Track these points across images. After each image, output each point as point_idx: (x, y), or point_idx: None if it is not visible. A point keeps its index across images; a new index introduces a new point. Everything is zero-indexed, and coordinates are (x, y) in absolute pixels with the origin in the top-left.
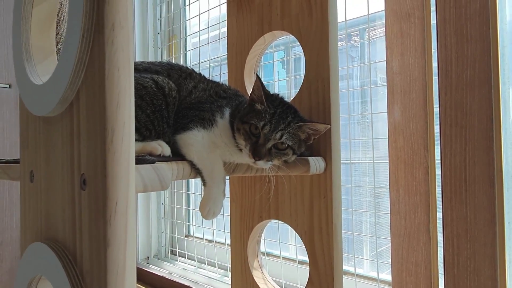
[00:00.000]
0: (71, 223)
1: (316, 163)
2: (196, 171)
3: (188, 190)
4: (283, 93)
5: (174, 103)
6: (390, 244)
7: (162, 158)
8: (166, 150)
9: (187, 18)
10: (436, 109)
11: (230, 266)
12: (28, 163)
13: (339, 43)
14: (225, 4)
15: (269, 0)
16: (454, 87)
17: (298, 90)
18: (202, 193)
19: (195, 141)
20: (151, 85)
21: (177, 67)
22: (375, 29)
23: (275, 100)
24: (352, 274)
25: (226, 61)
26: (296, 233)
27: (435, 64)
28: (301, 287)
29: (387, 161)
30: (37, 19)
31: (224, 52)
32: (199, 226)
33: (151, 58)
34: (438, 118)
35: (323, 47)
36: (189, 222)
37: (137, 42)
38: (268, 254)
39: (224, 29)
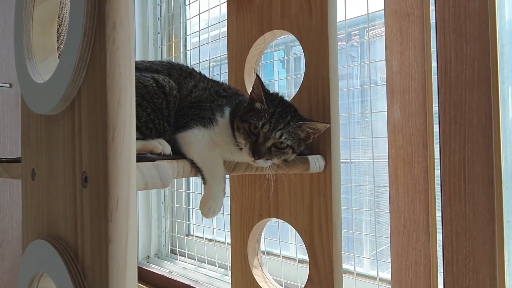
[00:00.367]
0: (73, 221)
1: (315, 162)
2: (197, 170)
3: (189, 189)
4: (283, 92)
5: (174, 102)
6: (390, 243)
7: (163, 157)
8: (167, 149)
9: (187, 17)
10: (435, 108)
11: (230, 265)
12: (30, 161)
13: (339, 43)
14: (225, 3)
15: None
16: (453, 86)
17: (297, 90)
18: (202, 192)
19: (195, 139)
20: (151, 84)
21: (178, 66)
22: (375, 29)
23: (275, 99)
24: (352, 273)
25: (226, 61)
26: (296, 232)
27: (434, 63)
28: (301, 286)
29: (387, 160)
30: (39, 18)
31: (224, 51)
32: (199, 225)
33: (151, 58)
34: (438, 117)
35: (322, 46)
36: (189, 221)
37: (137, 41)
38: (268, 253)
39: (224, 29)
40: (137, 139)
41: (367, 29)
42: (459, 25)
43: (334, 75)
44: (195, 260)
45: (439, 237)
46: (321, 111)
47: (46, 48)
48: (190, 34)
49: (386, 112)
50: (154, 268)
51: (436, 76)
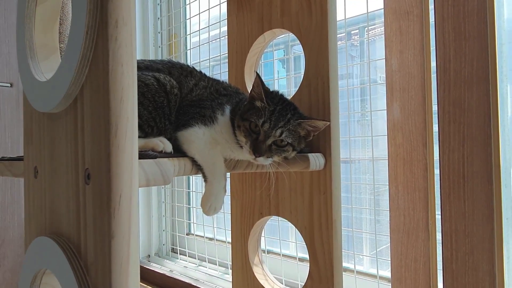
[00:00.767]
0: (76, 217)
1: (315, 160)
2: (197, 168)
3: (189, 188)
4: (283, 91)
5: (175, 100)
6: (389, 241)
7: (164, 155)
8: (168, 147)
9: (188, 17)
10: (434, 106)
11: (230, 263)
12: (32, 159)
13: (339, 42)
14: (225, 3)
15: None
16: (453, 84)
17: (297, 89)
18: (203, 191)
19: (196, 137)
20: (152, 83)
21: (178, 65)
22: (374, 28)
23: (275, 97)
24: (352, 271)
25: (226, 60)
26: (296, 230)
27: (433, 62)
28: (301, 284)
29: (387, 159)
30: (41, 17)
31: (224, 50)
32: (199, 224)
33: (151, 57)
34: (437, 115)
35: (322, 45)
36: (189, 220)
37: (137, 41)
38: (269, 252)
39: (224, 28)
40: (138, 137)
41: (366, 28)
42: (458, 23)
43: (334, 73)
44: (195, 258)
45: (439, 235)
46: (321, 110)
47: (48, 47)
48: (190, 34)
49: (385, 111)
50: (154, 267)
51: (436, 75)
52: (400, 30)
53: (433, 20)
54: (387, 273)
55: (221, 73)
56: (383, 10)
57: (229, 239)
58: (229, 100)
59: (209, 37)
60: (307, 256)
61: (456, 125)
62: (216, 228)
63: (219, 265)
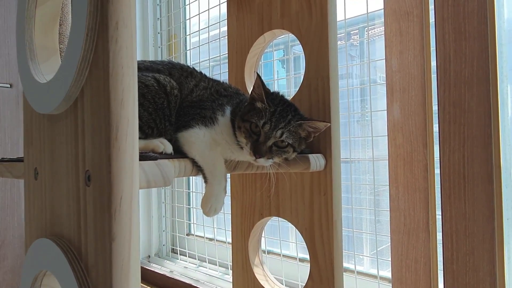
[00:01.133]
0: (76, 219)
1: (316, 160)
2: (198, 169)
3: (189, 189)
4: (283, 92)
5: (175, 101)
6: (390, 242)
7: (164, 156)
8: (168, 148)
9: (187, 17)
10: (435, 106)
11: (231, 264)
12: (32, 161)
13: (338, 42)
14: (225, 3)
15: None
16: (453, 84)
17: (297, 89)
18: (203, 191)
19: (196, 139)
20: (153, 84)
21: (178, 66)
22: (374, 28)
23: (276, 98)
24: (352, 272)
25: (226, 60)
26: (297, 231)
27: (433, 63)
28: (302, 285)
29: (387, 159)
30: (41, 18)
31: (224, 51)
32: (199, 224)
33: (151, 58)
34: (437, 116)
35: (322, 46)
36: (189, 220)
37: (137, 41)
38: (269, 252)
39: (224, 29)
40: (138, 138)
41: (366, 28)
42: (458, 24)
43: (334, 74)
44: (195, 259)
45: (439, 235)
46: (321, 110)
47: (48, 48)
48: (190, 34)
49: (385, 111)
50: (155, 268)
51: (436, 75)
52: (400, 31)
53: (433, 20)
54: (387, 273)
55: (221, 74)
56: (383, 10)
57: (229, 240)
58: (230, 101)
59: (209, 38)
60: (307, 256)
61: (457, 126)
62: (216, 229)
63: (219, 266)
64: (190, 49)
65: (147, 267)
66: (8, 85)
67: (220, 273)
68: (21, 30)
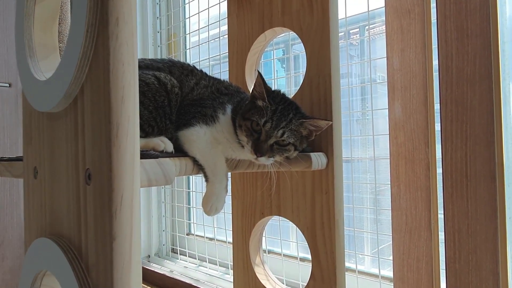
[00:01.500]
0: (76, 218)
1: (318, 159)
2: (199, 167)
3: (189, 188)
4: (283, 91)
5: (176, 100)
6: (391, 241)
7: (165, 155)
8: (169, 147)
9: (187, 16)
10: (436, 105)
11: (231, 263)
12: (32, 159)
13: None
14: (224, 2)
15: None
16: (455, 82)
17: (297, 88)
18: (203, 191)
19: (197, 137)
20: (153, 82)
21: (179, 64)
22: (374, 27)
23: (277, 97)
24: (353, 271)
25: (226, 60)
26: (298, 230)
27: (435, 61)
28: (303, 284)
29: (387, 158)
30: (40, 16)
31: (224, 50)
32: (199, 224)
33: (151, 57)
34: (439, 114)
35: (324, 44)
36: (189, 220)
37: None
38: (269, 252)
39: (224, 27)
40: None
41: (367, 27)
42: (461, 21)
43: (335, 72)
44: (196, 259)
45: (441, 234)
46: (323, 109)
47: (47, 46)
48: (189, 33)
49: (385, 110)
50: (155, 267)
51: (438, 73)
52: (401, 29)
53: (435, 18)
54: (388, 272)
55: (221, 73)
56: (383, 8)
57: (230, 239)
58: (230, 99)
59: (209, 37)
60: (308, 255)
61: (459, 124)
62: (216, 228)
63: (219, 265)
64: (190, 48)
65: (147, 267)
66: (7, 85)
67: (220, 272)
68: (20, 28)
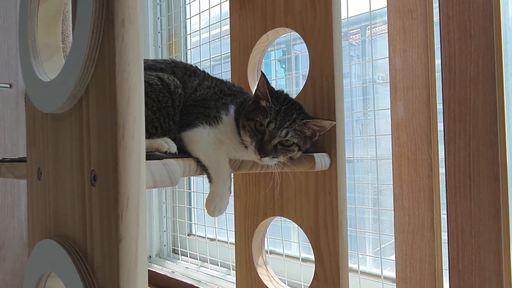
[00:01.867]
0: (81, 219)
1: (321, 160)
2: (202, 168)
3: (190, 189)
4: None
5: (179, 100)
6: (392, 241)
7: (169, 155)
8: (172, 147)
9: (188, 16)
10: (439, 105)
11: (232, 264)
12: (36, 161)
13: None
14: (225, 2)
15: None
16: (458, 82)
17: (297, 88)
18: (204, 191)
19: (200, 138)
20: (156, 82)
21: (182, 65)
22: (375, 27)
23: (280, 97)
24: (355, 271)
25: (227, 60)
26: (299, 231)
27: (438, 61)
28: (305, 284)
29: (388, 159)
30: (44, 16)
31: (225, 50)
32: (201, 224)
33: (151, 57)
34: (442, 114)
35: (327, 44)
36: (191, 220)
37: None
38: (271, 252)
39: (225, 28)
40: None
41: (368, 27)
42: (463, 21)
43: (338, 72)
44: (197, 259)
45: (444, 234)
46: (326, 109)
47: (51, 46)
48: (190, 33)
49: (386, 111)
50: (156, 268)
51: (440, 73)
52: (403, 29)
53: (437, 18)
54: (388, 273)
55: (222, 73)
56: (386, 8)
57: (231, 240)
58: (233, 100)
59: (210, 37)
60: (309, 256)
61: (462, 124)
62: (218, 229)
63: (221, 266)
64: (190, 49)
65: (148, 268)
66: (8, 85)
67: (221, 273)
68: (24, 28)
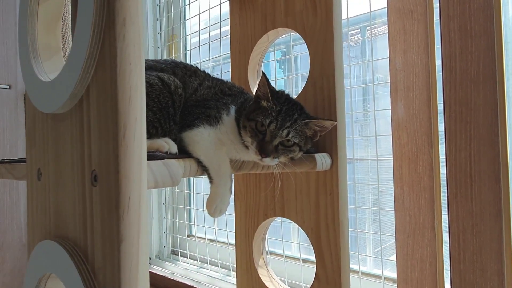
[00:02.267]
0: (82, 220)
1: (322, 160)
2: (203, 169)
3: (190, 190)
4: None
5: (180, 101)
6: (392, 241)
7: (169, 156)
8: (173, 148)
9: (187, 17)
10: (440, 105)
11: (232, 265)
12: (36, 161)
13: None
14: (225, 3)
15: None
16: (459, 83)
17: (296, 89)
18: (204, 192)
19: (201, 138)
20: (157, 83)
21: (182, 65)
22: (375, 27)
23: (281, 97)
24: (356, 272)
25: (227, 60)
26: (299, 232)
27: (438, 61)
28: (305, 286)
29: (388, 159)
30: (43, 16)
31: (224, 51)
32: (200, 225)
33: (151, 58)
34: (443, 114)
35: (328, 44)
36: (190, 221)
37: None
38: (271, 253)
39: (224, 28)
40: None
41: (368, 27)
42: (464, 21)
43: (339, 72)
44: (197, 261)
45: (445, 235)
46: (327, 109)
47: (51, 47)
48: (190, 34)
49: (387, 111)
50: (155, 270)
51: (441, 73)
52: (404, 29)
53: (438, 18)
54: (389, 273)
55: (222, 74)
56: (386, 9)
57: (231, 241)
58: (234, 100)
59: (209, 38)
60: (310, 257)
61: (463, 124)
62: (218, 230)
63: (221, 267)
64: (190, 49)
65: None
66: (7, 86)
67: (222, 274)
68: (23, 28)
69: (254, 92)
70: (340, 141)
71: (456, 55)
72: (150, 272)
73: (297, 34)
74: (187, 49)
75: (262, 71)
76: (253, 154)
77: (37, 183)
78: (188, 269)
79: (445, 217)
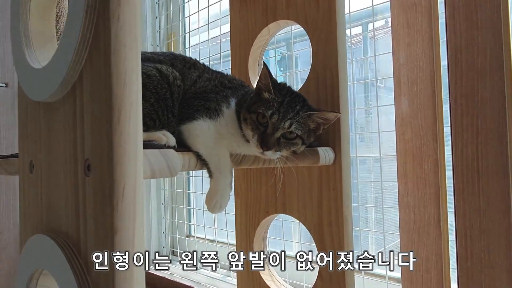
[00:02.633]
0: (75, 212)
1: (325, 154)
2: (202, 163)
3: (189, 190)
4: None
5: (178, 92)
6: (396, 241)
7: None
8: (171, 141)
9: (186, 15)
10: (445, 99)
11: None
12: (28, 153)
13: None
14: (224, 0)
15: None
16: (465, 75)
17: (295, 87)
18: (204, 192)
19: (201, 131)
20: (154, 74)
21: (181, 57)
22: (377, 25)
23: (283, 89)
24: (359, 271)
25: (226, 59)
26: (300, 230)
27: (443, 54)
28: (307, 285)
29: (390, 156)
30: (37, 2)
31: (224, 49)
32: (200, 225)
33: None
34: (448, 108)
35: (330, 36)
36: (190, 221)
37: None
38: (272, 252)
39: (224, 26)
40: None
41: (371, 23)
42: (470, 13)
43: (342, 64)
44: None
45: (451, 231)
46: (330, 102)
47: (44, 34)
48: (189, 32)
49: (389, 108)
50: (155, 270)
51: (447, 66)
52: (407, 22)
53: (442, 11)
54: (393, 272)
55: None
56: (388, 3)
57: (231, 241)
58: (234, 93)
59: (209, 35)
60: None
61: (469, 118)
62: (217, 230)
63: (220, 267)
64: (189, 47)
65: (146, 269)
66: (4, 85)
67: (221, 275)
68: (16, 14)
69: (254, 86)
70: (343, 135)
71: (462, 47)
72: (148, 272)
73: (297, 32)
74: (186, 47)
75: (264, 62)
76: (254, 148)
77: (29, 175)
78: (187, 270)
79: (451, 214)
